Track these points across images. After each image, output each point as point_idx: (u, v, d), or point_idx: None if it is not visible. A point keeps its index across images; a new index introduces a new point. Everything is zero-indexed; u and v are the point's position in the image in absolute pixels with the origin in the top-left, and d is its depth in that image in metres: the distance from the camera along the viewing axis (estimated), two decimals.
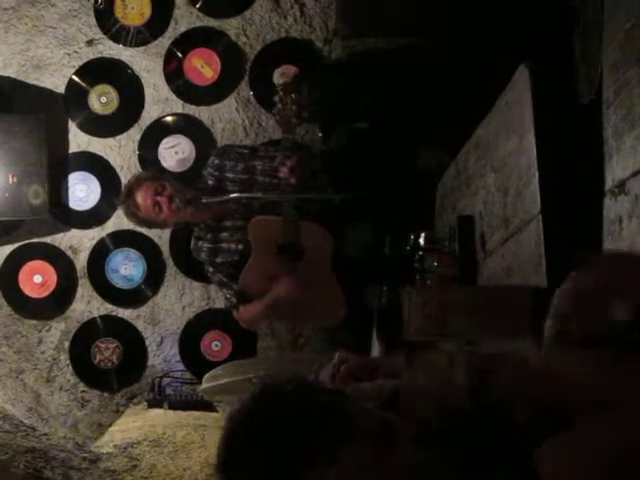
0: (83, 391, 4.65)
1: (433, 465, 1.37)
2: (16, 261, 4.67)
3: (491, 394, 1.36)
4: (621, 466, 1.27)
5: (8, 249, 4.68)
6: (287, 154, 3.73)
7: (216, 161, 4.07)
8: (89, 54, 4.66)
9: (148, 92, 4.65)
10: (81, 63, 4.66)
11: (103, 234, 4.66)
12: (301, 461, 1.33)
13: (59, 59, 4.65)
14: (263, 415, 1.37)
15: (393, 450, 1.38)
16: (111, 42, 4.65)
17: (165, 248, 4.64)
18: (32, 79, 4.64)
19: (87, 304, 4.67)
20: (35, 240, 4.67)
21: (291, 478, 1.33)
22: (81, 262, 4.67)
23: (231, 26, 4.61)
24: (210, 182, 4.03)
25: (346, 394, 1.50)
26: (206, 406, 4.18)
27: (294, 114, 3.68)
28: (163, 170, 4.57)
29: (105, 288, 4.67)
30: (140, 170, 4.57)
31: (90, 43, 4.65)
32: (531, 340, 2.11)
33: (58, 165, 4.61)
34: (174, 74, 4.64)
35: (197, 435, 3.94)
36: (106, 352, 4.63)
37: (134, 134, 4.66)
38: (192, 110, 4.65)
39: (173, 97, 4.65)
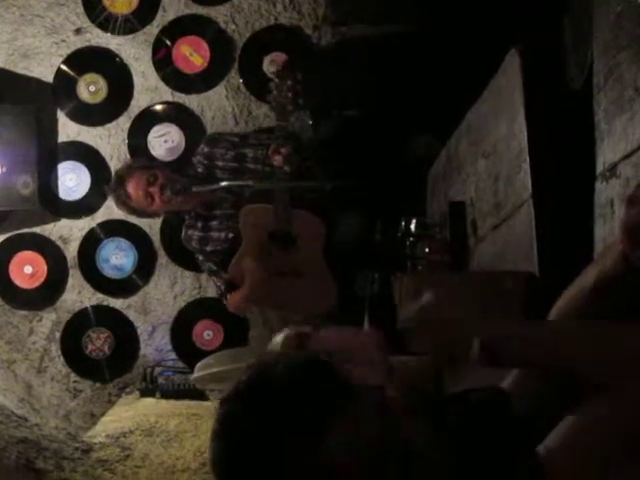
0: (75, 381, 4.63)
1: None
2: (6, 252, 4.65)
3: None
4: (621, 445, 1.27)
5: None
6: (280, 142, 3.72)
7: (206, 149, 4.06)
8: (77, 43, 4.63)
9: (137, 80, 4.63)
10: (69, 52, 4.63)
11: (93, 224, 4.64)
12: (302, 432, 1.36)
13: (47, 48, 4.63)
14: (259, 386, 1.43)
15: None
16: (99, 30, 4.62)
17: (156, 237, 4.62)
18: (20, 68, 4.62)
19: (78, 294, 4.65)
20: (25, 230, 4.65)
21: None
22: (71, 252, 4.65)
23: (220, 13, 4.59)
24: (200, 170, 4.02)
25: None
26: (199, 395, 4.18)
27: (289, 101, 3.66)
28: (153, 158, 4.55)
29: (96, 278, 4.65)
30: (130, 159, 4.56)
31: (78, 32, 4.63)
32: None
33: (47, 155, 4.59)
34: (163, 62, 4.61)
35: (190, 424, 3.94)
36: (97, 342, 4.62)
37: (123, 123, 4.64)
38: (181, 98, 4.62)
39: (162, 85, 4.62)
